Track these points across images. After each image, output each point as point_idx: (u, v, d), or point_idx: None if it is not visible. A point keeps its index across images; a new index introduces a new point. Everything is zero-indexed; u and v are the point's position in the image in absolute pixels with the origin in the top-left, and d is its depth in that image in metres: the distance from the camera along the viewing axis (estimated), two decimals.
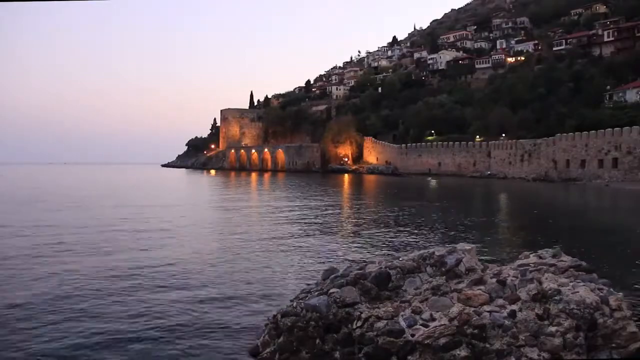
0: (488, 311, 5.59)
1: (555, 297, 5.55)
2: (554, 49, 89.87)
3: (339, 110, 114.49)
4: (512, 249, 14.26)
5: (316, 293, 6.53)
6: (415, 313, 5.79)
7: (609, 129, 55.25)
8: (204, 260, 13.29)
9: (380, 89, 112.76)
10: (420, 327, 5.60)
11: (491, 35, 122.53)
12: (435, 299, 5.93)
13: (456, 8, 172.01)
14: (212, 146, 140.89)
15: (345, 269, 6.98)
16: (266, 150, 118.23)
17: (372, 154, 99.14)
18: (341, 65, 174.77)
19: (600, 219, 24.70)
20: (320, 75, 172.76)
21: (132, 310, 8.72)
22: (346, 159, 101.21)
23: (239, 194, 44.49)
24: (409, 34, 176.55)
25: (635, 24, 79.69)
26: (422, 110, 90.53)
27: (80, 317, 8.35)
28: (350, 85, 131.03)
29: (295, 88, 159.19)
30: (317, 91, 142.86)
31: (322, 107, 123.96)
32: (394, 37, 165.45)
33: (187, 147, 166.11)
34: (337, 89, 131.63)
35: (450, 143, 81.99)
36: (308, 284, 8.17)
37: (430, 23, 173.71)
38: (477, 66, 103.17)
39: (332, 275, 6.86)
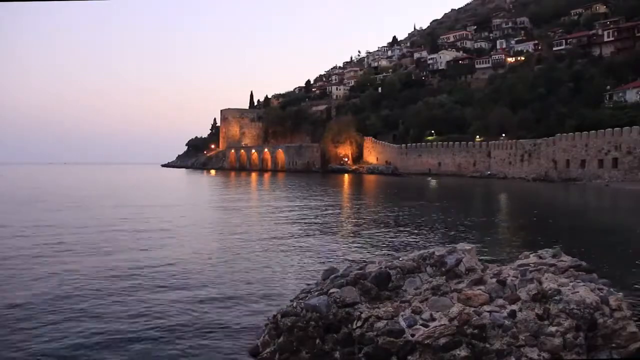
0: (488, 311, 5.59)
1: (555, 297, 5.55)
2: (554, 49, 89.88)
3: (339, 110, 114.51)
4: (512, 249, 14.26)
5: (316, 293, 6.53)
6: (415, 313, 5.79)
7: (609, 129, 55.25)
8: (204, 260, 13.29)
9: (380, 89, 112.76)
10: (420, 327, 5.60)
11: (491, 35, 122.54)
12: (435, 299, 5.93)
13: (456, 8, 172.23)
14: (212, 146, 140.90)
15: (345, 269, 6.97)
16: (266, 150, 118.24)
17: (372, 154, 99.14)
18: (341, 65, 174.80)
19: (600, 219, 24.70)
20: (320, 75, 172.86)
21: (132, 310, 8.72)
22: (346, 159, 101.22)
23: (239, 194, 44.49)
24: (409, 34, 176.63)
25: (635, 24, 79.70)
26: (422, 110, 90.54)
27: (80, 317, 8.35)
28: (350, 85, 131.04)
29: (295, 88, 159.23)
30: (317, 91, 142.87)
31: (322, 107, 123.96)
32: (394, 37, 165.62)
33: (187, 147, 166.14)
34: (337, 89, 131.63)
35: (450, 143, 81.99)
36: (308, 284, 8.17)
37: (430, 23, 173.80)
38: (477, 66, 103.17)
39: (332, 275, 6.86)
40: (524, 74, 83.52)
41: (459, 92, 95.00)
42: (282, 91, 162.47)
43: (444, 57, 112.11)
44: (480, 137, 79.39)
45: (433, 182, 62.99)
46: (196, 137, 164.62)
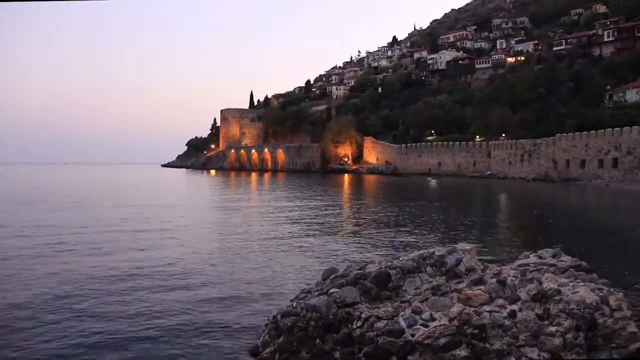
0: (488, 311, 5.59)
1: (555, 297, 5.55)
2: (554, 49, 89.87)
3: (339, 110, 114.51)
4: (512, 249, 14.26)
5: (316, 293, 6.53)
6: (415, 313, 5.79)
7: (609, 129, 55.25)
8: (204, 260, 13.29)
9: (380, 89, 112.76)
10: (420, 327, 5.60)
11: (491, 35, 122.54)
12: (435, 299, 5.93)
13: (456, 8, 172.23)
14: (212, 146, 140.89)
15: (345, 269, 6.97)
16: (266, 150, 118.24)
17: (372, 154, 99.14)
18: (341, 65, 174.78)
19: (600, 219, 24.70)
20: (320, 75, 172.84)
21: (132, 310, 8.72)
22: (346, 159, 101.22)
23: (239, 194, 44.49)
24: (409, 34, 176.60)
25: (635, 24, 79.70)
26: (422, 110, 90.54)
27: (80, 317, 8.35)
28: (350, 85, 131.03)
29: (295, 88, 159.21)
30: (317, 91, 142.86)
31: (322, 107, 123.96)
32: (394, 37, 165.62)
33: (187, 147, 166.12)
34: (337, 89, 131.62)
35: (450, 143, 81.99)
36: (308, 284, 8.17)
37: (430, 23, 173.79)
38: (477, 66, 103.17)
39: (332, 275, 6.86)
40: (524, 74, 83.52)
41: (459, 92, 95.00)
42: (282, 91, 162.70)
43: (444, 57, 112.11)
44: (480, 137, 79.38)
45: (433, 182, 62.99)
46: (196, 137, 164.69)
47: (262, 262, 13.04)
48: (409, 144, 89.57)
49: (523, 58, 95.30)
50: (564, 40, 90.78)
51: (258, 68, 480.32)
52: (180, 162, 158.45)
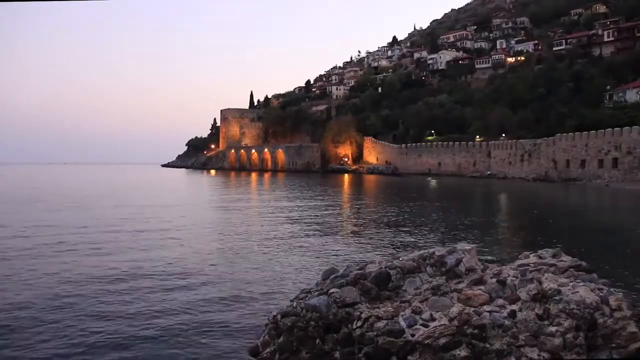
0: (488, 311, 5.59)
1: (555, 297, 5.55)
2: (554, 49, 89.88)
3: (339, 110, 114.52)
4: (512, 249, 14.26)
5: (316, 293, 6.52)
6: (415, 313, 5.79)
7: (609, 129, 55.25)
8: (204, 260, 13.29)
9: (380, 89, 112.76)
10: (420, 327, 5.60)
11: (491, 35, 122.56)
12: (435, 299, 5.93)
13: (456, 8, 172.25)
14: (212, 146, 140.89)
15: (345, 269, 6.97)
16: (266, 150, 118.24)
17: (372, 154, 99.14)
18: (341, 65, 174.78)
19: (600, 219, 24.70)
20: (320, 75, 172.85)
21: (132, 310, 8.72)
22: (346, 159, 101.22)
23: (239, 194, 44.49)
24: (409, 34, 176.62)
25: (635, 24, 79.70)
26: (422, 110, 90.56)
27: (80, 317, 8.35)
28: (350, 85, 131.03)
29: (295, 88, 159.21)
30: (317, 91, 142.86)
31: (322, 107, 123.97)
32: (394, 37, 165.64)
33: (187, 147, 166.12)
34: (337, 89, 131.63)
35: (450, 143, 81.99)
36: (308, 284, 8.17)
37: (430, 23, 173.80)
38: (477, 66, 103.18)
39: (332, 275, 6.85)
40: (524, 74, 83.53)
41: (459, 92, 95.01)
42: (282, 91, 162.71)
43: (444, 57, 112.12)
44: (480, 137, 79.38)
45: (433, 182, 62.99)
46: (196, 137, 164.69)
47: (262, 262, 13.04)
48: (409, 144, 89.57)
49: (523, 58, 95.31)
50: (564, 40, 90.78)
51: (258, 68, 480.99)
52: (180, 162, 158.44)
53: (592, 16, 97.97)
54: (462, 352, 5.38)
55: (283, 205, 30.20)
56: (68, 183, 62.97)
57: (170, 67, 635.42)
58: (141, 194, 42.95)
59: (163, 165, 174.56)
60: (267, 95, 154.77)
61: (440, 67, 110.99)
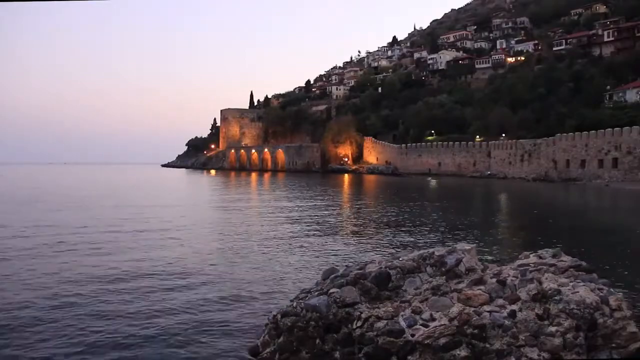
0: (488, 311, 5.58)
1: (555, 297, 5.55)
2: (554, 49, 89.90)
3: (339, 110, 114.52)
4: (512, 249, 14.25)
5: (316, 293, 6.52)
6: (415, 313, 5.79)
7: (609, 129, 55.26)
8: (204, 260, 13.29)
9: (380, 89, 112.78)
10: (420, 327, 5.60)
11: (491, 35, 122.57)
12: (435, 299, 5.92)
13: (456, 8, 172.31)
14: (212, 146, 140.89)
15: (345, 269, 6.97)
16: (266, 150, 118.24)
17: (372, 154, 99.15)
18: (341, 65, 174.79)
19: (600, 219, 24.70)
20: (320, 75, 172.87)
21: (132, 310, 8.72)
22: (346, 159, 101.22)
23: (239, 194, 44.48)
24: (409, 34, 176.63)
25: (635, 24, 79.70)
26: (422, 110, 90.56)
27: (80, 316, 8.35)
28: (350, 85, 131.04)
29: (295, 88, 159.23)
30: (317, 91, 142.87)
31: (322, 107, 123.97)
32: (394, 37, 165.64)
33: (187, 147, 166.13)
34: (337, 89, 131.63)
35: (450, 143, 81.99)
36: (308, 284, 8.17)
37: (430, 23, 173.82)
38: (477, 66, 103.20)
39: (332, 275, 6.85)
40: (524, 74, 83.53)
41: (459, 92, 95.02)
42: (282, 91, 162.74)
43: (444, 57, 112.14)
44: (480, 137, 79.39)
45: (433, 182, 63.00)
46: (196, 137, 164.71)
47: (262, 262, 13.04)
48: (409, 144, 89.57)
49: (523, 58, 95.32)
50: (564, 40, 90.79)
51: (258, 68, 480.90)
52: (180, 162, 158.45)
53: (592, 16, 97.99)
54: (462, 352, 5.38)
55: (283, 205, 30.20)
56: (68, 183, 62.97)
57: (170, 67, 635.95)
58: (141, 194, 42.95)
59: (163, 165, 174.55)
60: (267, 95, 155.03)
61: (440, 67, 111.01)
